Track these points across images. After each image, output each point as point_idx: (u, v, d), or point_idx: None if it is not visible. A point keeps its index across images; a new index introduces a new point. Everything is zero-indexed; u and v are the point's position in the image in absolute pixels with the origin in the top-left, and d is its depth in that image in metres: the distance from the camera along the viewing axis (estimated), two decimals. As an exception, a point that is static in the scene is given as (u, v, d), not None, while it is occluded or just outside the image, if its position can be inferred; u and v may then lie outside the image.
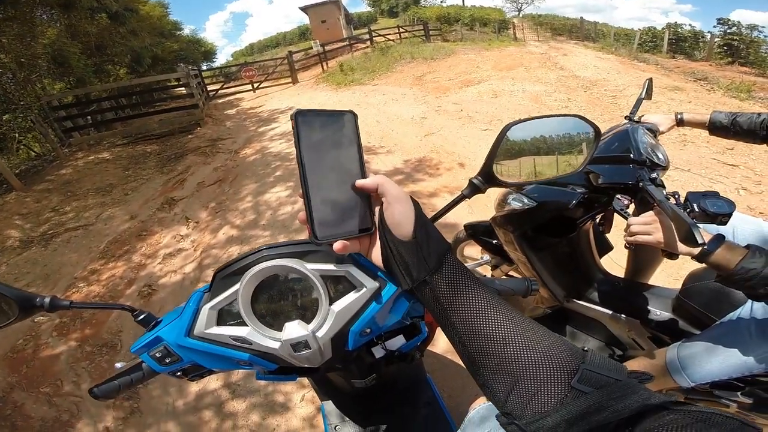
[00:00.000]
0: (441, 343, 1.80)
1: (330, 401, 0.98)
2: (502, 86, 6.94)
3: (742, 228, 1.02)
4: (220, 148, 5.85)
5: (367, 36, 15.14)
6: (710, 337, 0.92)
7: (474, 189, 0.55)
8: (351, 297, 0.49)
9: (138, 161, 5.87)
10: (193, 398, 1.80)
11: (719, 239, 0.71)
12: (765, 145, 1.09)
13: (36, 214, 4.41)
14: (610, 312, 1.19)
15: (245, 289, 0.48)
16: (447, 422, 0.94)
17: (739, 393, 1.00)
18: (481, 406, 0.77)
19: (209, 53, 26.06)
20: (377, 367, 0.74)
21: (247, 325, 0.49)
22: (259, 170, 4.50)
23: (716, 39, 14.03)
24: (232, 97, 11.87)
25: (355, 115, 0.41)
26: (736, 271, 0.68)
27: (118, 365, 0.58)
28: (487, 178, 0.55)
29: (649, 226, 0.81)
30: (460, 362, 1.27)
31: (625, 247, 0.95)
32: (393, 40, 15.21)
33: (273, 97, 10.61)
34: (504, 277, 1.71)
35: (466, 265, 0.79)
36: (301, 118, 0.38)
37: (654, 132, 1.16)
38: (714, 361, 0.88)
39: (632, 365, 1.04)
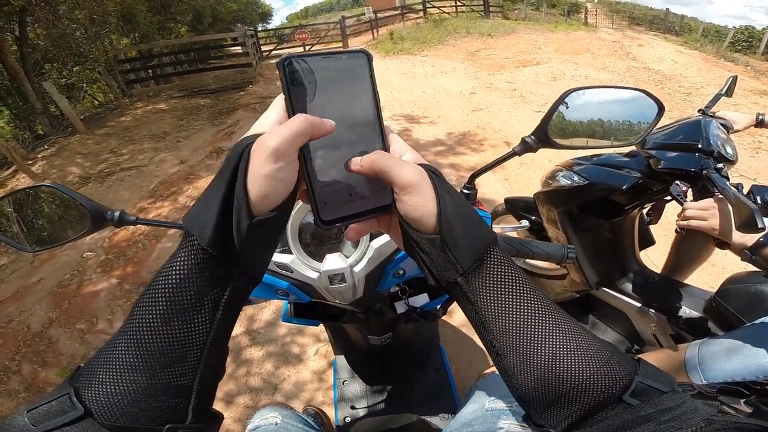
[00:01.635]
0: (458, 316, 1.80)
1: (343, 356, 0.99)
2: (563, 70, 6.49)
3: None
4: (269, 105, 6.01)
5: (421, 6, 14.54)
6: (738, 336, 0.90)
7: (526, 147, 0.54)
8: (388, 236, 0.49)
9: (192, 113, 6.18)
10: None
11: None
12: None
13: (95, 154, 4.78)
14: (639, 305, 1.17)
15: (295, 217, 0.49)
16: (450, 391, 0.95)
17: (742, 401, 0.96)
18: (491, 376, 0.78)
19: (266, 14, 26.31)
20: (395, 325, 0.75)
21: (292, 253, 0.50)
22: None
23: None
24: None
25: (369, 56, 0.30)
26: None
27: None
28: (540, 138, 0.54)
29: (706, 212, 0.80)
30: (474, 338, 1.34)
31: (675, 231, 0.95)
32: (448, 13, 14.49)
33: None
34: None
35: (501, 227, 0.79)
36: (291, 68, 0.27)
37: (728, 128, 1.12)
38: (734, 359, 0.86)
39: (649, 357, 1.01)
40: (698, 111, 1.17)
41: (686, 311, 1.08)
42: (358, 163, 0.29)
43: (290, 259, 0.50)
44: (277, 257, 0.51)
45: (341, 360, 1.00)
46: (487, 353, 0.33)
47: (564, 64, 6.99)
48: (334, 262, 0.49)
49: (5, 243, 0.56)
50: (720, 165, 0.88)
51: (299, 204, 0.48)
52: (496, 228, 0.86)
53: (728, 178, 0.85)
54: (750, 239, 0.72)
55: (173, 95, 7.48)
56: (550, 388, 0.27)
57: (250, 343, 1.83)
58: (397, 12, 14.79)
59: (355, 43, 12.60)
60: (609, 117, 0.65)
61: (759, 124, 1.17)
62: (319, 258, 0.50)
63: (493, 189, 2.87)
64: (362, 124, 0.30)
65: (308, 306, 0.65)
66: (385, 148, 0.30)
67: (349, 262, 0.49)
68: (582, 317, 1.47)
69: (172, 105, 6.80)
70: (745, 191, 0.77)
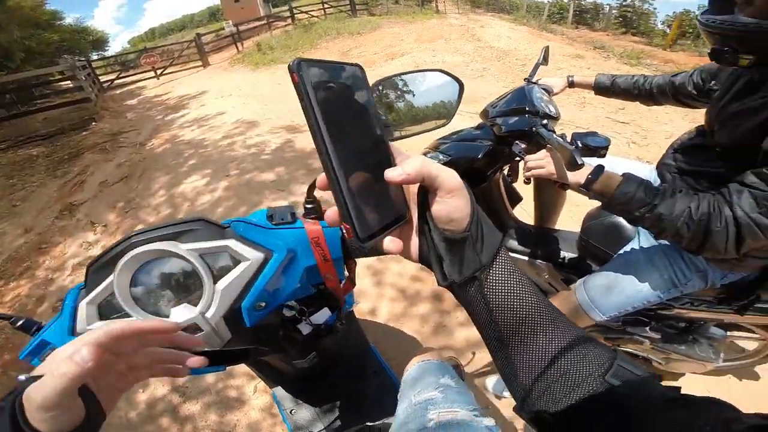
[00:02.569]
0: (383, 312, 1.81)
1: (279, 387, 0.96)
2: (424, 58, 7.04)
3: (623, 171, 1.16)
4: (123, 143, 5.17)
5: (288, 13, 14.35)
6: (609, 269, 1.01)
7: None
8: (235, 272, 0.48)
9: (24, 167, 5.01)
10: (145, 407, 1.66)
11: (600, 169, 0.78)
12: (638, 102, 1.27)
13: None
14: (526, 258, 1.27)
15: (120, 278, 0.46)
16: (395, 389, 0.96)
17: (647, 328, 1.13)
18: (413, 368, 0.79)
19: (100, 42, 22.82)
20: (313, 345, 0.73)
21: (130, 316, 0.47)
22: (170, 161, 4.06)
23: (613, 11, 15.58)
24: (132, 87, 10.60)
25: (362, 69, 0.30)
26: (614, 196, 0.76)
27: (21, 377, 0.52)
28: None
29: (541, 161, 0.90)
30: (403, 329, 1.33)
31: (524, 182, 1.06)
32: (317, 17, 14.62)
33: (181, 82, 9.69)
34: None
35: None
36: (304, 72, 0.24)
37: (548, 92, 1.28)
38: (615, 292, 0.97)
39: (554, 302, 1.13)
40: (524, 80, 1.31)
41: (565, 254, 1.20)
42: (400, 172, 0.28)
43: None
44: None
45: (280, 391, 0.97)
46: (484, 342, 0.34)
47: (424, 52, 7.58)
48: (181, 313, 0.47)
49: None
50: (545, 121, 1.00)
51: (120, 264, 0.45)
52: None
53: (554, 131, 0.97)
54: (582, 177, 0.80)
55: None
56: (546, 375, 0.31)
57: (182, 399, 1.64)
58: (262, 22, 14.32)
59: (217, 60, 11.73)
60: (424, 100, 0.67)
61: (570, 85, 1.37)
62: (165, 313, 0.48)
63: None
64: (372, 136, 0.29)
65: (206, 354, 0.60)
66: (392, 156, 0.30)
67: (198, 310, 0.47)
68: None
69: None
70: (569, 139, 0.88)
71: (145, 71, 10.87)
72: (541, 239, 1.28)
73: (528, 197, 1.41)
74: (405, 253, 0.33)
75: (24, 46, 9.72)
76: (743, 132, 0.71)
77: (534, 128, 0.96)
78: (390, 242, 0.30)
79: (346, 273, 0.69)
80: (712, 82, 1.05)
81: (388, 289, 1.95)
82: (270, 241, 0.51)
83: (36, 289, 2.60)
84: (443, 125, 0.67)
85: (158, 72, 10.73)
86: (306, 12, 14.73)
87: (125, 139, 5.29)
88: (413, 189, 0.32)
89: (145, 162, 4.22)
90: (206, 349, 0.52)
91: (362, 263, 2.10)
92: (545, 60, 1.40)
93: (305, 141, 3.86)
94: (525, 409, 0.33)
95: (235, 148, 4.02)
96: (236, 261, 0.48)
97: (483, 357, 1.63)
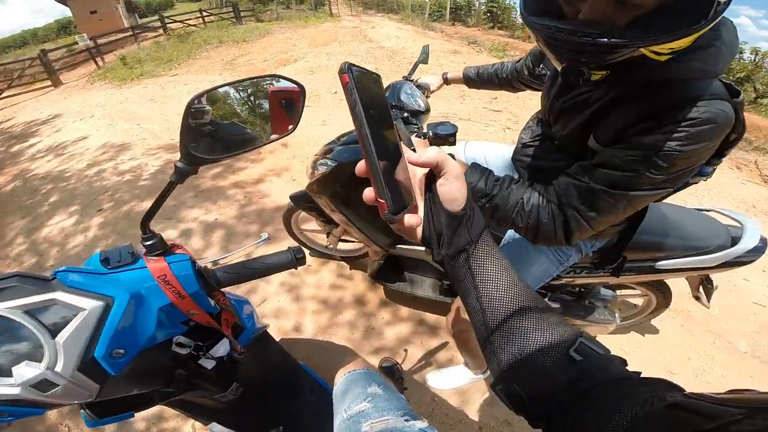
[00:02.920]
0: (308, 328, 1.75)
1: (214, 422, 0.91)
2: (318, 62, 6.98)
3: (491, 154, 1.26)
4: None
5: (159, 23, 12.86)
6: (506, 249, 1.06)
7: (181, 173, 0.53)
8: (74, 324, 0.46)
9: None
10: None
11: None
12: (504, 90, 1.33)
13: None
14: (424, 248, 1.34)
15: None
16: None
17: (546, 300, 1.22)
18: (340, 381, 0.79)
19: None
20: (231, 376, 0.72)
21: None
22: (24, 201, 3.35)
23: (482, 7, 17.38)
24: (-42, 117, 8.34)
25: (380, 77, 0.38)
26: None
27: None
28: (191, 160, 0.52)
29: None
30: (333, 340, 1.31)
31: None
32: (195, 26, 13.41)
33: (26, 106, 8.01)
34: (341, 243, 1.80)
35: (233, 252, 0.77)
36: (353, 73, 0.32)
37: (424, 89, 1.33)
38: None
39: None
40: (403, 77, 1.33)
41: None
42: (419, 157, 0.37)
43: None
44: None
45: (217, 427, 0.93)
46: (469, 316, 0.40)
47: (318, 56, 7.53)
48: (25, 372, 0.44)
49: None
50: (405, 115, 1.05)
51: None
52: (206, 261, 0.86)
53: (415, 123, 1.02)
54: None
55: None
56: (516, 342, 0.36)
57: None
58: (127, 34, 12.56)
59: (71, 77, 9.97)
60: (260, 110, 0.64)
61: (446, 81, 1.42)
62: (5, 373, 0.45)
63: (282, 194, 2.82)
64: (391, 131, 0.37)
65: (105, 403, 0.60)
66: (402, 148, 0.38)
67: (43, 365, 0.45)
68: (399, 277, 1.61)
69: None
70: (425, 131, 0.91)
71: None
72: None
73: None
74: (410, 234, 0.39)
75: None
76: (574, 128, 0.73)
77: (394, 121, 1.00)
78: (410, 218, 0.37)
79: (215, 305, 0.66)
80: (540, 66, 1.18)
81: (309, 302, 1.89)
82: (107, 287, 0.49)
83: None
84: (290, 132, 0.64)
85: None
86: (181, 21, 13.45)
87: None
88: (417, 182, 0.39)
89: (-13, 207, 3.38)
90: (81, 401, 0.51)
91: (276, 280, 2.01)
92: (425, 59, 1.43)
93: (191, 159, 3.51)
94: (498, 382, 0.37)
95: (106, 176, 3.46)
96: (72, 313, 0.46)
97: (416, 352, 1.65)
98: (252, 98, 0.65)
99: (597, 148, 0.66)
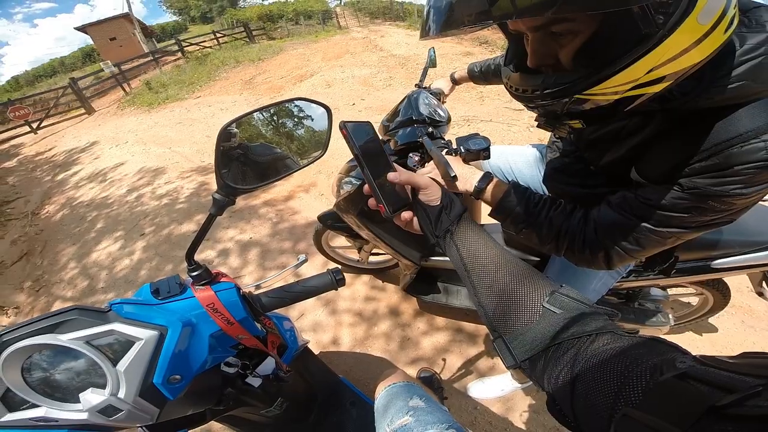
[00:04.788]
0: (345, 341, 1.78)
1: None
2: (333, 75, 7.12)
3: (514, 160, 1.22)
4: (10, 215, 4.38)
5: (177, 47, 13.38)
6: (550, 275, 0.99)
7: (219, 205, 0.55)
8: (132, 353, 0.48)
9: None
10: None
11: (487, 177, 0.75)
12: None
13: None
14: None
15: (8, 375, 0.46)
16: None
17: (595, 305, 1.20)
18: (381, 394, 0.79)
19: None
20: (275, 392, 0.74)
21: (39, 405, 0.47)
22: (72, 229, 3.57)
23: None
24: (6, 146, 8.97)
25: (371, 124, 0.52)
26: (498, 206, 0.72)
27: None
28: (228, 190, 0.54)
29: (430, 174, 0.88)
30: (370, 352, 1.39)
31: None
32: (210, 47, 13.88)
33: (65, 134, 8.47)
34: (371, 256, 1.81)
35: (273, 275, 0.80)
36: (348, 126, 0.47)
37: (438, 95, 1.28)
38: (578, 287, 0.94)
39: None
40: (415, 86, 1.31)
41: None
42: (396, 177, 0.50)
43: (43, 411, 0.47)
44: (27, 414, 0.47)
45: None
46: (466, 288, 0.48)
47: (332, 69, 7.68)
48: (91, 398, 0.48)
49: None
50: (431, 129, 0.99)
51: (2, 357, 0.45)
52: (266, 282, 0.87)
53: (442, 138, 0.97)
54: (470, 185, 0.76)
55: None
56: (495, 294, 0.42)
57: None
58: (148, 59, 13.02)
59: (103, 104, 10.45)
60: (292, 135, 0.65)
61: (454, 82, 1.35)
62: (74, 399, 0.48)
63: (312, 208, 2.91)
64: (382, 155, 0.51)
65: (163, 423, 0.60)
66: (392, 165, 0.52)
67: (108, 392, 0.48)
68: (433, 289, 1.59)
69: None
70: (454, 145, 0.86)
71: (17, 126, 9.30)
72: None
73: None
74: (410, 226, 0.53)
75: None
76: (612, 160, 0.65)
77: (421, 139, 0.94)
78: (406, 214, 0.51)
79: (262, 329, 0.68)
80: None
81: (344, 315, 1.93)
82: (160, 317, 0.52)
83: None
84: (319, 156, 0.65)
85: (34, 126, 9.25)
86: (197, 44, 13.95)
87: (12, 210, 4.49)
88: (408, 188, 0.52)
89: (43, 234, 3.65)
90: (143, 425, 0.54)
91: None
92: (432, 63, 1.39)
93: (222, 181, 3.66)
94: (494, 335, 0.42)
95: (145, 201, 3.65)
96: (130, 342, 0.49)
97: (454, 362, 1.62)
98: (281, 123, 0.66)
99: (643, 183, 0.59)
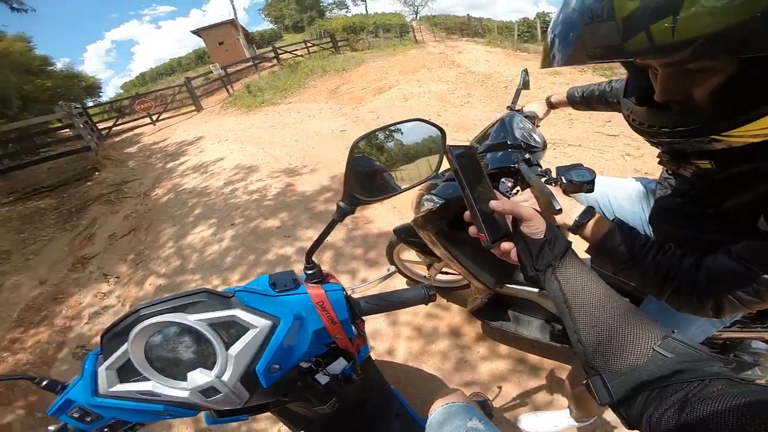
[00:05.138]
0: (401, 352, 1.83)
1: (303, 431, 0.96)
2: (410, 89, 7.29)
3: (614, 193, 1.13)
4: (127, 193, 5.27)
5: (273, 54, 14.67)
6: (652, 310, 0.93)
7: (343, 212, 0.57)
8: (246, 339, 0.51)
9: (33, 220, 5.04)
10: None
11: (589, 212, 0.71)
12: (614, 111, 1.15)
13: None
14: (537, 290, 1.26)
15: (134, 347, 0.49)
16: (420, 429, 0.95)
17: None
18: (437, 411, 0.78)
19: (93, 87, 22.93)
20: (334, 392, 0.76)
21: (149, 379, 0.50)
22: (175, 211, 4.16)
23: (579, 23, 16.35)
24: (130, 133, 10.68)
25: (473, 148, 0.55)
26: (599, 245, 0.69)
27: (51, 428, 0.59)
28: (352, 200, 0.57)
29: (526, 203, 0.85)
30: (423, 368, 1.44)
31: None
32: (301, 56, 14.99)
33: (177, 128, 9.82)
34: (440, 274, 1.80)
35: (367, 282, 0.86)
36: (454, 151, 0.51)
37: (533, 119, 1.24)
38: (674, 325, 0.88)
39: None
40: (507, 108, 1.28)
41: None
42: (500, 206, 0.50)
43: (150, 385, 0.50)
44: (136, 386, 0.50)
45: None
46: (564, 323, 0.47)
47: (409, 83, 7.87)
48: (197, 378, 0.50)
49: None
50: (527, 156, 0.94)
51: (132, 334, 0.49)
52: (358, 292, 0.87)
53: (539, 165, 0.92)
54: (569, 219, 0.72)
55: (2, 201, 5.95)
56: (600, 332, 0.41)
57: None
58: (249, 64, 14.43)
59: (209, 103, 11.86)
60: (408, 153, 0.67)
61: (550, 106, 1.30)
62: (182, 377, 0.51)
63: (385, 219, 3.04)
64: (485, 182, 0.53)
65: (228, 410, 0.65)
66: (493, 192, 0.54)
67: (214, 374, 0.50)
68: (504, 315, 1.56)
69: (4, 215, 5.39)
70: (554, 174, 0.82)
71: (140, 117, 11.00)
72: None
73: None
74: (507, 256, 0.53)
75: (20, 93, 9.83)
76: (739, 205, 0.59)
77: (516, 165, 0.91)
78: (506, 245, 0.52)
79: (356, 331, 0.72)
80: None
81: (404, 328, 1.95)
82: (276, 308, 0.54)
83: (55, 336, 2.68)
84: (431, 177, 0.67)
85: (154, 118, 10.87)
86: (290, 52, 15.07)
87: (129, 190, 5.40)
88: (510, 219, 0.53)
89: (150, 213, 4.32)
90: (231, 407, 0.56)
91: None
92: (526, 85, 1.36)
93: (306, 185, 4.01)
94: (590, 372, 0.42)
95: (238, 194, 4.13)
96: (245, 328, 0.51)
97: (510, 391, 1.59)
98: (399, 141, 0.67)
99: None
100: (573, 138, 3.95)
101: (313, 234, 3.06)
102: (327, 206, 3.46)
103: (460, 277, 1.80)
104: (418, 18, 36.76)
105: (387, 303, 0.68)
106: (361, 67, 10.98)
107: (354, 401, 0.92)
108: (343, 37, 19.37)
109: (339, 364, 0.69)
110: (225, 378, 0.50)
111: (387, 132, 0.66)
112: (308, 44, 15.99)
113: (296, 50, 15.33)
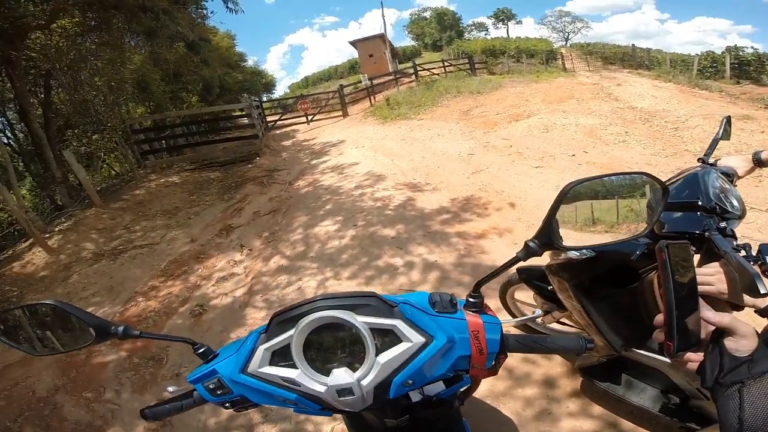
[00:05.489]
0: (482, 387, 1.75)
1: None
2: (553, 120, 6.78)
3: None
4: (276, 179, 6.25)
5: (412, 70, 15.46)
6: None
7: (529, 252, 0.55)
8: (397, 350, 0.51)
9: (202, 187, 6.39)
10: (226, 418, 1.86)
11: None
12: None
13: (110, 230, 4.91)
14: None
15: (299, 335, 0.51)
16: None
17: None
18: None
19: (269, 84, 27.88)
20: (413, 410, 0.73)
21: (297, 368, 0.52)
22: (310, 203, 4.73)
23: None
24: (288, 129, 12.64)
25: (688, 248, 0.49)
26: None
27: (171, 389, 0.63)
28: (544, 242, 0.54)
29: (712, 277, 0.77)
30: (500, 409, 1.37)
31: None
32: (438, 74, 15.45)
33: (325, 129, 11.20)
34: (556, 324, 1.71)
35: (518, 319, 0.79)
36: (668, 248, 0.47)
37: (731, 176, 1.08)
38: None
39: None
40: (698, 160, 1.16)
41: None
42: (717, 319, 0.47)
43: (296, 373, 0.52)
44: (283, 371, 0.52)
45: None
46: None
47: (553, 113, 7.32)
48: (341, 376, 0.51)
49: (14, 347, 0.61)
50: (723, 224, 0.85)
51: (303, 322, 0.51)
52: (507, 323, 0.82)
53: (735, 237, 0.83)
54: (762, 301, 0.69)
55: (185, 167, 7.64)
56: None
57: (262, 420, 1.81)
58: (391, 77, 15.50)
59: (354, 111, 13.14)
60: (614, 205, 0.64)
61: (758, 163, 1.11)
62: (326, 372, 0.52)
63: (500, 252, 2.89)
64: (693, 286, 0.48)
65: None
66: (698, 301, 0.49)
67: (356, 376, 0.51)
68: (615, 378, 1.46)
69: (183, 178, 6.97)
70: (754, 251, 0.75)
71: (299, 115, 12.86)
72: None
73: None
74: (684, 365, 0.49)
75: (220, 82, 12.76)
76: None
77: (707, 232, 0.83)
78: (691, 355, 0.48)
79: (494, 364, 0.69)
80: None
81: None
82: (432, 327, 0.54)
83: (184, 291, 3.22)
84: (641, 234, 0.62)
85: (309, 118, 12.60)
86: (428, 69, 15.63)
87: (278, 176, 6.41)
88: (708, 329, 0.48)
89: (290, 200, 5.03)
90: (349, 411, 0.56)
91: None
92: (726, 135, 1.22)
93: (426, 202, 4.08)
94: None
95: (364, 199, 4.47)
96: (399, 340, 0.52)
97: None
98: (611, 193, 0.63)
99: None
100: (759, 200, 3.10)
101: (423, 251, 3.07)
102: (442, 227, 3.44)
103: (576, 329, 1.69)
104: (568, 45, 34.11)
105: (538, 345, 0.65)
106: (497, 91, 10.76)
107: (424, 422, 0.87)
108: (481, 59, 19.28)
109: (437, 386, 0.66)
110: (364, 382, 0.51)
111: (602, 181, 0.61)
112: (445, 63, 16.38)
113: (433, 68, 15.85)
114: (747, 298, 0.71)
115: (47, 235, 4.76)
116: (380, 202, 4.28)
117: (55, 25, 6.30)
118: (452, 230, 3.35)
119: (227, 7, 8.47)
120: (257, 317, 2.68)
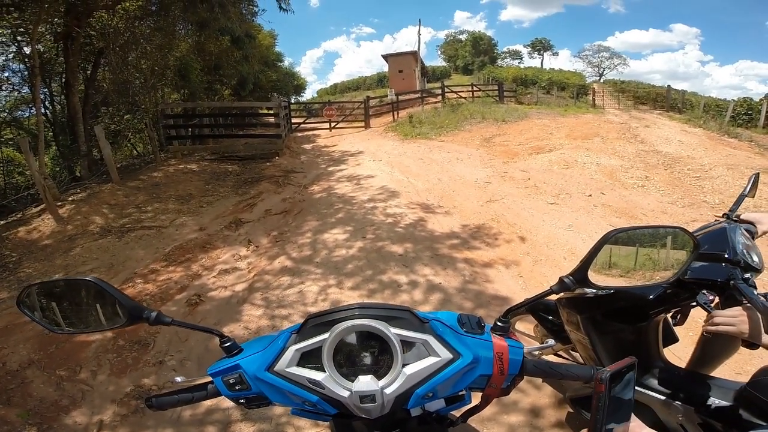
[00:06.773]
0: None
1: None
2: (575, 156, 6.72)
3: None
4: (292, 180, 6.34)
5: (440, 91, 15.48)
6: None
7: (563, 287, 0.58)
8: (424, 363, 0.53)
9: (219, 178, 6.50)
10: (203, 411, 1.81)
11: None
12: None
13: (121, 207, 4.98)
14: (663, 398, 1.19)
15: (333, 339, 0.52)
16: None
17: None
18: None
19: (300, 87, 28.38)
20: (405, 424, 0.73)
21: (324, 371, 0.53)
22: (322, 209, 4.77)
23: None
24: (310, 133, 12.87)
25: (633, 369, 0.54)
26: None
27: (178, 379, 0.63)
28: (579, 280, 0.58)
29: (734, 319, 0.84)
30: None
31: (704, 333, 0.99)
32: (465, 98, 15.44)
33: (345, 138, 11.36)
34: (554, 356, 1.72)
35: (534, 347, 0.82)
36: (606, 375, 0.49)
37: (752, 233, 1.12)
38: None
39: None
40: (723, 215, 1.20)
41: (715, 401, 1.08)
42: None
43: (323, 376, 0.53)
44: (310, 374, 0.53)
45: None
46: None
47: (576, 150, 7.25)
48: (366, 383, 0.52)
49: (35, 321, 0.60)
50: (747, 275, 0.90)
51: (338, 327, 0.52)
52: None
53: (755, 287, 0.87)
54: None
55: (205, 157, 7.79)
56: None
57: (241, 418, 1.75)
58: (417, 95, 15.65)
59: (376, 123, 13.29)
60: (645, 253, 0.68)
61: None
62: (351, 378, 0.53)
63: (505, 284, 2.87)
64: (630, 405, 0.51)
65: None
66: None
67: (381, 384, 0.52)
68: None
69: (202, 167, 7.09)
70: None
71: (322, 121, 13.12)
72: (690, 382, 1.18)
73: (684, 341, 1.32)
74: None
75: (255, 79, 13.10)
76: None
77: (733, 281, 0.87)
78: None
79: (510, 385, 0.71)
80: None
81: None
82: (460, 345, 0.56)
83: (184, 278, 3.20)
84: (668, 281, 0.66)
85: (332, 124, 12.82)
86: (455, 92, 15.68)
87: (294, 178, 6.51)
88: None
89: (303, 203, 5.09)
90: (364, 417, 0.57)
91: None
92: (752, 192, 1.26)
93: (437, 224, 4.07)
94: None
95: (376, 213, 4.49)
96: (426, 353, 0.54)
97: None
98: (646, 242, 0.67)
99: None
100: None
101: (429, 272, 3.07)
102: (450, 251, 3.42)
103: (569, 362, 1.71)
104: (601, 80, 33.95)
105: (553, 371, 0.67)
106: (522, 121, 10.74)
107: None
108: (511, 87, 19.24)
109: (437, 403, 0.67)
110: (388, 390, 0.52)
111: (642, 231, 0.66)
112: (474, 88, 16.41)
113: (461, 91, 15.93)
114: (765, 339, 0.78)
115: (59, 203, 4.85)
116: (392, 218, 4.30)
117: (119, 6, 6.67)
118: (460, 255, 3.34)
119: (280, 6, 8.70)
120: (253, 314, 2.68)
